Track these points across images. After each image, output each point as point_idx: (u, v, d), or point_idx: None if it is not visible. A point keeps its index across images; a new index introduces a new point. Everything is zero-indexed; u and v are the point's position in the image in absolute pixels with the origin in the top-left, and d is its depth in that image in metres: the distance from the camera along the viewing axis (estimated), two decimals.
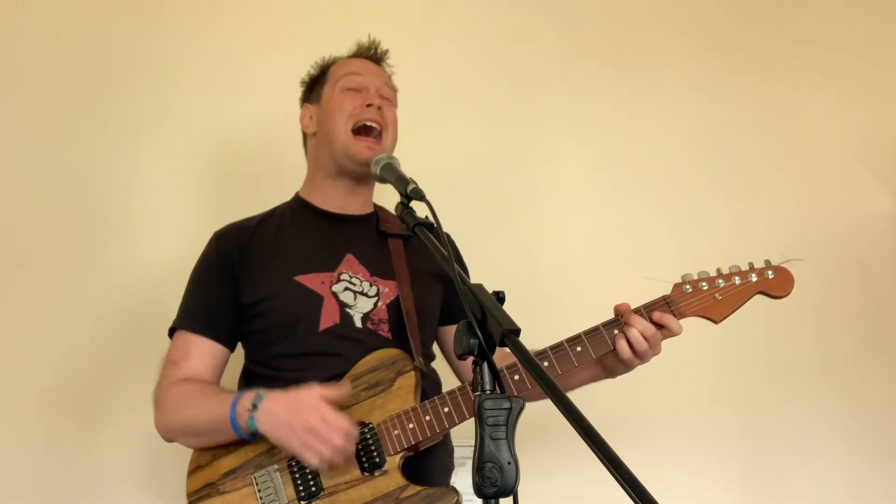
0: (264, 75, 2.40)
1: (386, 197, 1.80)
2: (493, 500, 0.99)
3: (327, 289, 1.70)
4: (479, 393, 1.04)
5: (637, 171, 2.58)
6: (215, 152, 2.37)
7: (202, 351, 1.71)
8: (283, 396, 1.52)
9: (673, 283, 1.66)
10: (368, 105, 1.76)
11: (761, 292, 1.67)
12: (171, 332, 1.76)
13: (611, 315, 1.65)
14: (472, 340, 1.05)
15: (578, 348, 1.60)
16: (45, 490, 2.11)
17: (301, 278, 1.71)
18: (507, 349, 1.02)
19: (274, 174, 2.22)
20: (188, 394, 1.64)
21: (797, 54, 2.76)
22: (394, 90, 1.89)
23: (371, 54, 1.89)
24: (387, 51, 1.91)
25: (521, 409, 1.00)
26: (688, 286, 1.66)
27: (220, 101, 2.38)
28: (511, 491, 0.98)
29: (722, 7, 2.78)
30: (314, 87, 1.89)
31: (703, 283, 1.66)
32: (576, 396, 0.90)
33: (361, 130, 1.76)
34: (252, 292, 1.71)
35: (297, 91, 1.96)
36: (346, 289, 1.72)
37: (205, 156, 2.36)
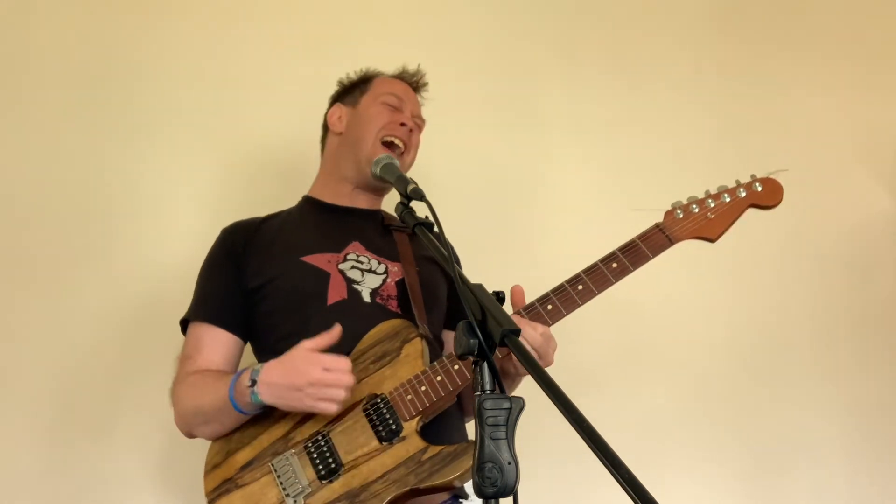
0: (273, 77, 2.40)
1: (388, 199, 1.81)
2: (493, 500, 0.99)
3: (334, 267, 1.72)
4: (478, 393, 1.04)
5: (637, 170, 2.58)
6: (223, 154, 2.37)
7: (214, 341, 1.71)
8: (277, 363, 1.53)
9: (664, 211, 1.67)
10: (402, 124, 1.84)
11: (753, 205, 1.68)
12: (184, 326, 1.77)
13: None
14: (472, 340, 1.04)
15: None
16: (52, 490, 2.10)
17: (307, 258, 1.73)
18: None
19: (281, 175, 2.23)
20: (199, 382, 1.65)
21: (797, 54, 2.76)
22: (423, 121, 1.96)
23: (413, 80, 1.97)
24: (427, 83, 2.00)
25: (521, 408, 1.00)
26: (679, 212, 1.66)
27: (227, 103, 2.38)
28: (511, 491, 0.97)
29: (721, 7, 2.78)
30: (353, 90, 1.94)
31: (694, 206, 1.67)
32: (575, 397, 0.90)
33: (387, 146, 1.83)
34: (257, 276, 1.73)
35: (306, 95, 1.99)
36: (354, 267, 1.73)
37: (212, 157, 2.36)
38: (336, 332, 1.55)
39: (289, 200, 1.95)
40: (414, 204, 1.42)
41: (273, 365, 1.53)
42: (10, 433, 2.10)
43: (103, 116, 2.32)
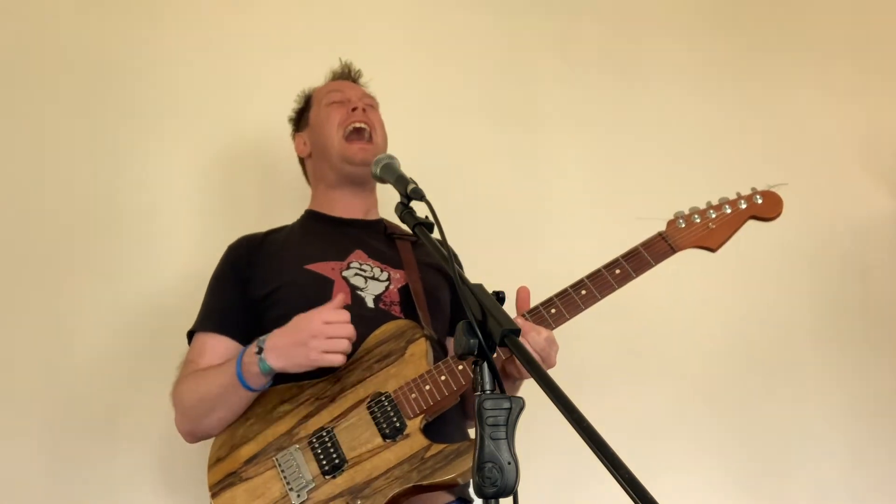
0: (279, 79, 2.37)
1: (387, 200, 1.81)
2: (493, 500, 0.99)
3: (337, 274, 1.75)
4: (479, 393, 1.04)
5: (636, 171, 2.58)
6: (229, 157, 2.36)
7: (217, 347, 1.73)
8: (281, 329, 1.58)
9: (666, 220, 1.72)
10: (353, 110, 1.89)
11: (753, 216, 1.73)
12: (190, 338, 1.78)
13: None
14: (472, 340, 1.04)
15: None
16: (54, 491, 2.09)
17: (312, 266, 1.76)
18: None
19: (288, 180, 2.22)
20: (199, 375, 1.67)
21: (797, 54, 2.76)
22: (374, 99, 1.99)
23: (346, 75, 2.03)
24: (360, 70, 2.04)
25: (521, 409, 1.00)
26: (681, 221, 1.71)
27: (234, 106, 2.37)
28: (511, 491, 0.97)
29: (721, 7, 2.78)
30: (301, 116, 2.01)
31: (696, 216, 1.72)
32: (575, 396, 0.90)
33: (353, 135, 1.87)
34: (263, 285, 1.76)
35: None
36: (357, 274, 1.76)
37: (219, 161, 2.35)
38: (339, 299, 1.59)
39: (296, 202, 1.95)
40: (414, 204, 1.41)
41: (277, 331, 1.58)
42: (12, 434, 2.10)
43: (109, 121, 2.30)
